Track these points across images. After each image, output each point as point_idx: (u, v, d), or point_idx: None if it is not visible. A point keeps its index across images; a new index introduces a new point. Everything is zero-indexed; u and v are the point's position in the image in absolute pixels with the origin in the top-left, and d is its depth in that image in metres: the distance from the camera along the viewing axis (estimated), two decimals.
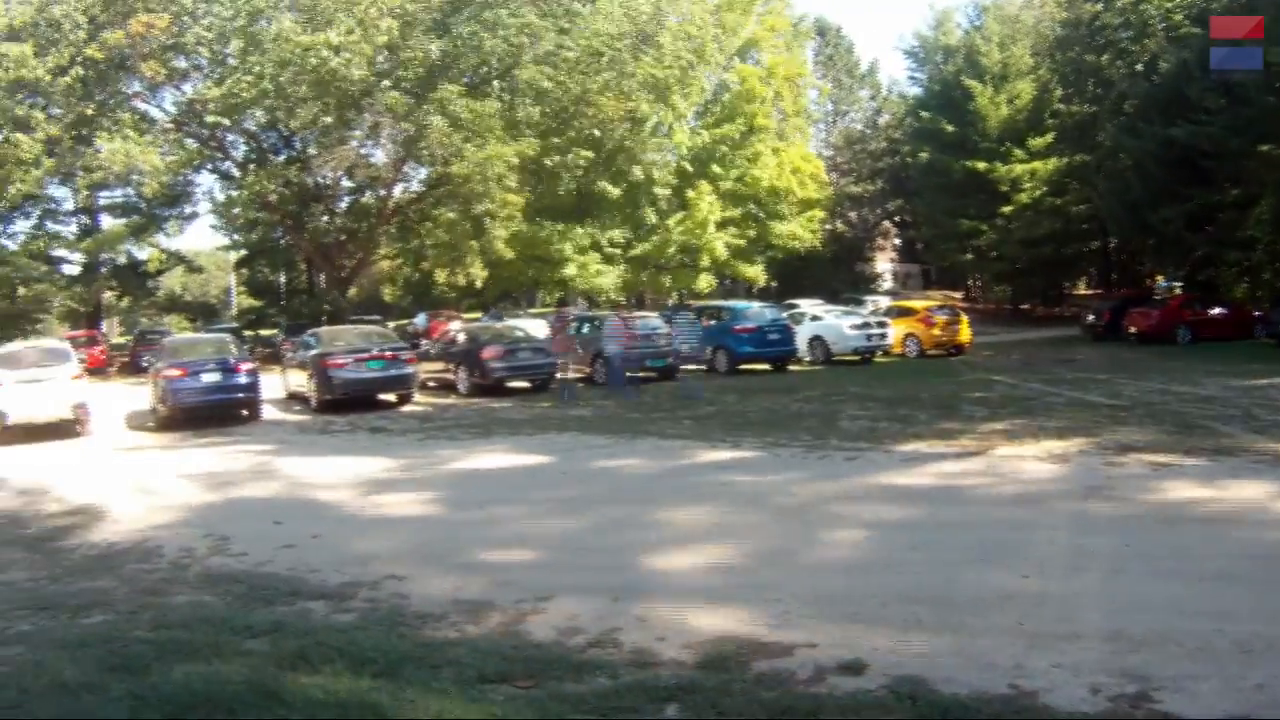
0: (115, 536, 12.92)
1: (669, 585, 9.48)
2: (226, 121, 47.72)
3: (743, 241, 58.71)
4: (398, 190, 54.13)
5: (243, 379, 27.39)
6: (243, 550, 11.57)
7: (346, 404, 28.17)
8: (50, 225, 64.63)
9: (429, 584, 9.69)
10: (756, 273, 62.61)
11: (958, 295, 76.62)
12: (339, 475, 17.19)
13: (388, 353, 29.04)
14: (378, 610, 8.95)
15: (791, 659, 7.12)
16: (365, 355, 28.50)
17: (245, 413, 27.90)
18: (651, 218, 56.09)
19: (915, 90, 78.27)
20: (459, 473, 17.36)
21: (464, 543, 11.60)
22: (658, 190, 55.51)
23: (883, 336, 37.78)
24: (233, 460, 20.05)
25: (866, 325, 38.01)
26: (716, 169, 57.84)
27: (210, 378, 26.90)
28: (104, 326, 75.32)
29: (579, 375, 33.01)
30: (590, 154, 48.82)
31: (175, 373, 26.72)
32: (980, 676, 6.67)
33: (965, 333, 41.18)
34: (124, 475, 18.74)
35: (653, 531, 11.81)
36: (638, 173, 53.81)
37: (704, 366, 34.73)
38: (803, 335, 37.09)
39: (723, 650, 7.36)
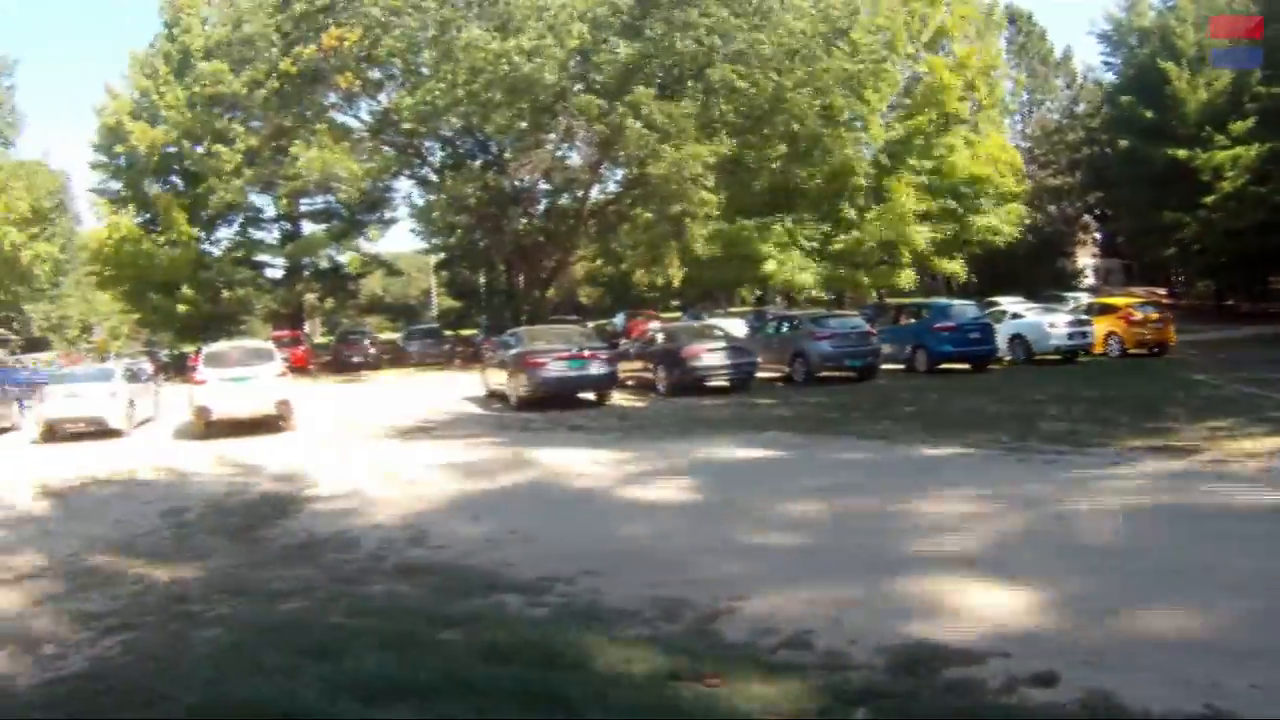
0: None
1: (855, 587, 9.35)
2: (422, 129, 48.80)
3: (940, 235, 57.63)
4: (595, 191, 54.66)
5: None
6: (441, 543, 11.79)
7: (545, 402, 28.45)
8: (253, 231, 66.96)
9: (625, 581, 9.69)
10: (956, 268, 61.47)
11: (1160, 291, 74.16)
12: (543, 468, 17.51)
13: (587, 352, 29.35)
14: (572, 605, 9.02)
15: (984, 667, 6.97)
16: (565, 354, 28.84)
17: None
18: (850, 212, 55.46)
19: (1110, 76, 76.27)
20: (688, 466, 17.42)
21: (662, 541, 11.62)
22: (855, 182, 54.87)
23: (1084, 335, 36.57)
24: (459, 453, 20.57)
25: (1068, 323, 36.89)
26: (914, 161, 56.96)
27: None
28: (306, 327, 77.09)
29: (778, 375, 32.86)
30: (785, 149, 48.45)
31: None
32: (1174, 694, 6.44)
33: (1169, 331, 39.71)
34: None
35: (831, 535, 11.77)
36: (835, 167, 53.28)
37: (903, 366, 34.28)
38: (1003, 334, 36.17)
39: (915, 655, 7.24)
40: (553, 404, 28.32)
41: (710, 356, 30.42)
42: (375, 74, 50.67)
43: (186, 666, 7.75)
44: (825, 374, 32.10)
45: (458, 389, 35.60)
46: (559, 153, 50.80)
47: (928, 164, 57.45)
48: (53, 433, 27.97)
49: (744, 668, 7.07)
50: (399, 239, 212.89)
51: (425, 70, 46.63)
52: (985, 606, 8.54)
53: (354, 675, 7.12)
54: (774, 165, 49.65)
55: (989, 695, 6.52)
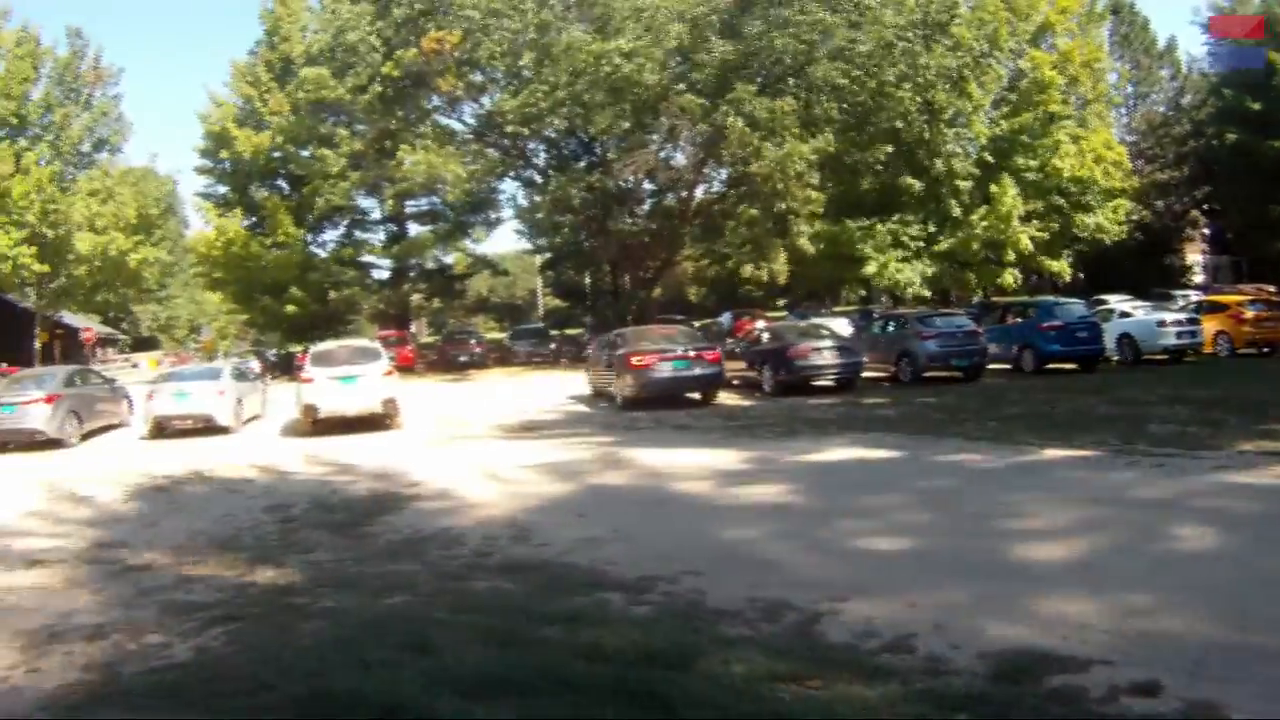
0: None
1: (959, 591, 9.21)
2: (525, 131, 48.91)
3: (1046, 234, 56.80)
4: (699, 191, 54.49)
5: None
6: (544, 541, 11.79)
7: (650, 401, 28.47)
8: (359, 233, 67.73)
9: (726, 582, 9.59)
10: (1062, 267, 60.55)
11: (1271, 288, 72.30)
12: (648, 468, 17.51)
13: (692, 352, 29.29)
14: (674, 605, 8.98)
15: (1086, 675, 6.80)
16: (670, 354, 28.88)
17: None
18: (955, 211, 54.82)
19: (1216, 67, 74.82)
20: (793, 466, 17.28)
21: (766, 542, 11.49)
22: (959, 183, 54.26)
23: (1193, 334, 35.58)
24: (563, 451, 20.65)
25: (1177, 322, 35.99)
26: (1019, 160, 56.16)
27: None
28: (412, 327, 77.77)
29: (883, 374, 32.62)
30: (889, 148, 48.09)
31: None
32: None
33: None
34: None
35: (935, 538, 11.55)
36: (939, 165, 52.81)
37: (1009, 365, 33.87)
38: (1110, 333, 35.44)
39: (1017, 662, 7.10)
40: (658, 403, 28.36)
41: (816, 356, 30.19)
42: (477, 77, 50.96)
43: (289, 658, 7.83)
44: (931, 374, 31.75)
45: (563, 389, 35.71)
46: (662, 152, 50.69)
47: (1033, 161, 56.54)
48: (161, 430, 28.57)
49: (844, 671, 7.01)
50: (505, 239, 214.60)
51: (527, 72, 46.79)
52: (1089, 613, 8.35)
53: (455, 671, 7.16)
54: (878, 164, 49.17)
55: (1090, 704, 6.37)
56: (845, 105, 45.11)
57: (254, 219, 62.28)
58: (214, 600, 9.91)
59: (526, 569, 10.49)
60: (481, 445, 22.77)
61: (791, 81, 44.72)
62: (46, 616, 9.78)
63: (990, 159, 55.07)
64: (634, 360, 28.57)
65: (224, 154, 62.14)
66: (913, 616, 8.31)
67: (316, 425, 26.54)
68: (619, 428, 24.84)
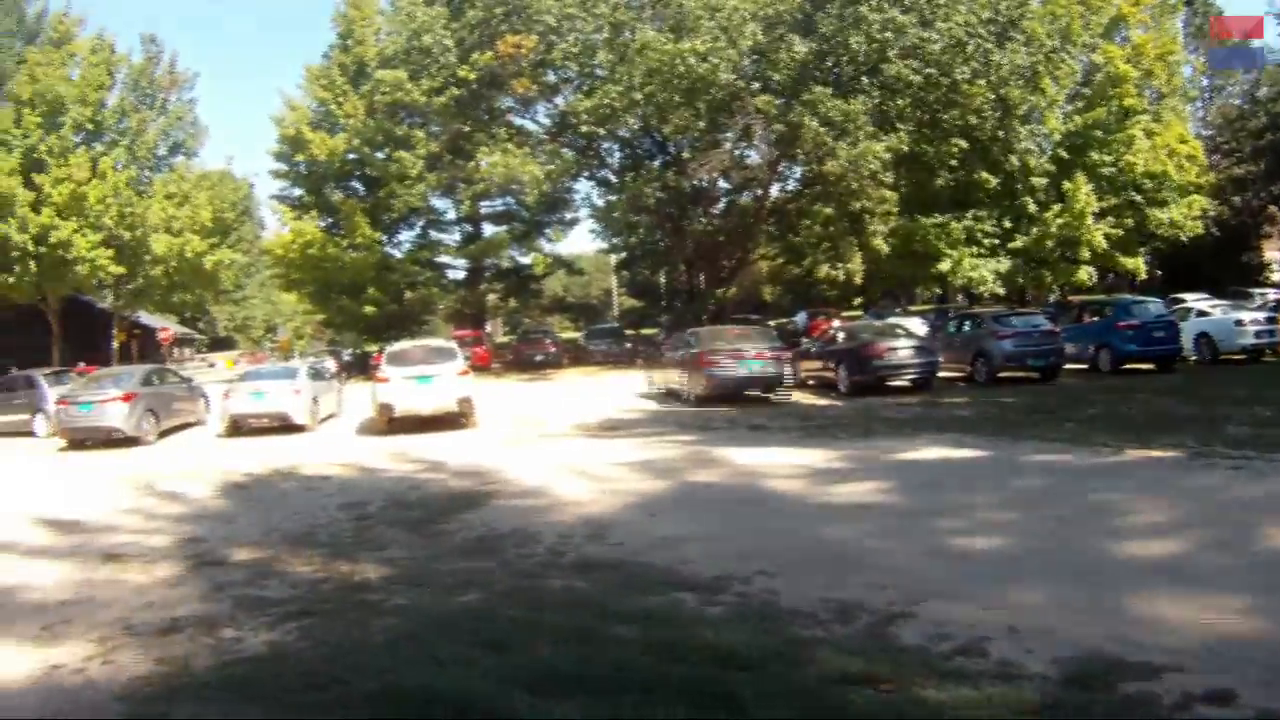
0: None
1: (1033, 594, 9.11)
2: (601, 130, 48.87)
3: (1121, 231, 56.01)
4: (774, 189, 54.27)
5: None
6: (619, 540, 11.74)
7: (724, 400, 28.51)
8: (434, 234, 68.01)
9: (801, 582, 9.52)
10: (1137, 265, 59.67)
11: None
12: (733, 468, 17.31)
13: (766, 352, 29.15)
14: (747, 605, 8.92)
15: (1160, 682, 6.69)
16: (742, 354, 28.78)
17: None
18: (1030, 208, 54.19)
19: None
20: (868, 466, 17.05)
21: (842, 542, 11.39)
22: (1034, 180, 53.66)
23: (1272, 334, 34.84)
24: (639, 451, 20.50)
25: (1255, 321, 35.30)
26: (1093, 156, 55.41)
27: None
28: (488, 326, 78.05)
29: (959, 374, 32.37)
30: (963, 144, 47.70)
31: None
32: None
33: None
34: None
35: (1010, 540, 11.41)
36: (1013, 161, 52.27)
37: (1086, 365, 33.50)
38: (1188, 332, 34.82)
39: (1091, 667, 7.00)
40: (733, 402, 28.41)
41: (891, 355, 29.96)
42: (551, 77, 50.94)
43: (361, 654, 7.93)
44: (1007, 374, 31.43)
45: (638, 388, 35.57)
46: (737, 151, 50.50)
47: (1107, 157, 55.78)
48: (237, 428, 28.92)
49: (916, 674, 6.94)
50: (580, 239, 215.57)
51: (601, 73, 46.79)
52: (1166, 618, 8.24)
53: (527, 668, 7.20)
54: (952, 160, 48.80)
55: (1163, 711, 6.29)
56: (918, 103, 44.78)
57: (330, 220, 62.73)
58: (288, 596, 10.03)
59: (601, 567, 10.49)
60: (556, 444, 22.72)
61: (865, 80, 44.42)
62: (123, 610, 9.94)
63: (1065, 155, 54.42)
64: (706, 359, 28.66)
65: (299, 157, 62.65)
66: (987, 619, 8.20)
67: (392, 424, 26.69)
68: (694, 427, 24.61)
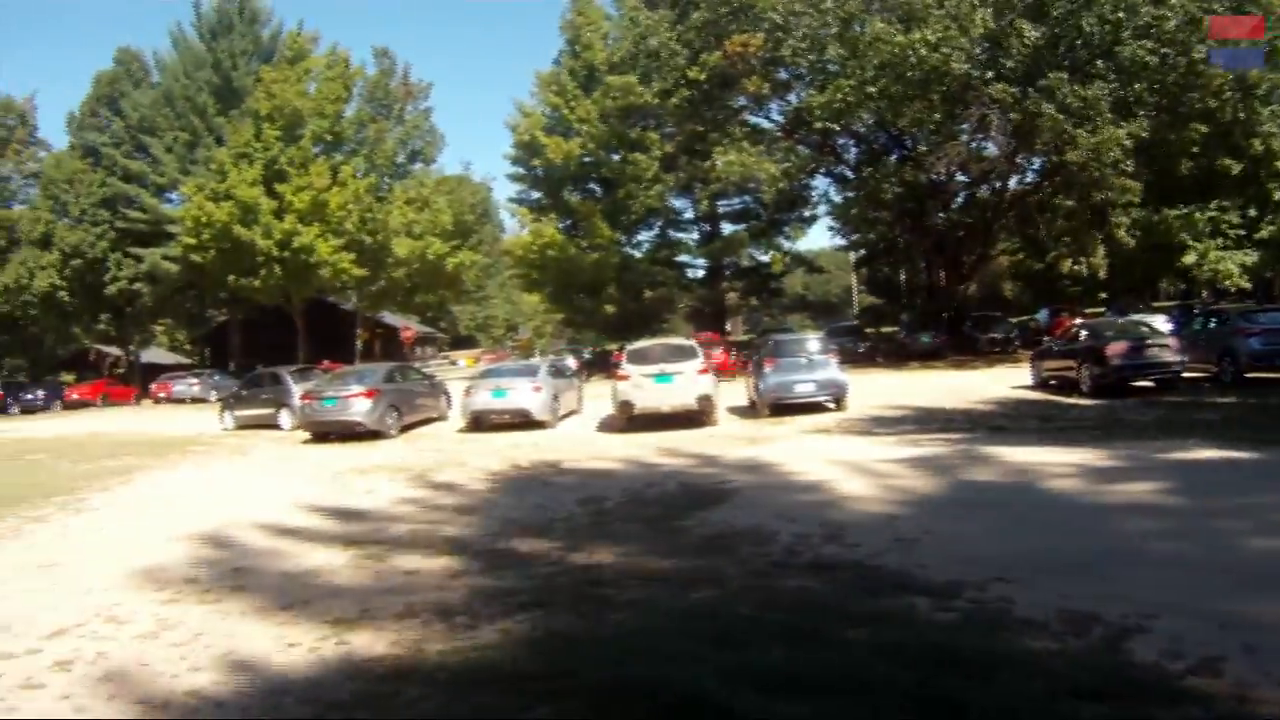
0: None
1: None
2: (835, 126, 48.55)
3: None
4: (1012, 182, 53.16)
5: (834, 374, 28.33)
6: (856, 540, 11.51)
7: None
8: (673, 233, 68.53)
9: (1036, 590, 9.21)
10: None
11: None
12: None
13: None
14: (980, 612, 8.66)
15: None
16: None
17: (833, 405, 28.57)
18: (1277, 195, 51.91)
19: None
20: (1106, 470, 16.06)
21: (1072, 549, 11.00)
22: (1278, 165, 51.41)
23: None
24: (912, 448, 19.94)
25: None
26: None
27: (804, 373, 28.19)
28: (728, 325, 78.27)
29: (1204, 374, 31.22)
30: (1203, 129, 46.01)
31: (770, 368, 28.27)
32: None
33: None
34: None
35: (1255, 555, 10.65)
36: (1256, 146, 50.18)
37: None
38: None
39: None
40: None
41: (1135, 354, 28.98)
42: (782, 74, 50.79)
43: (592, 646, 8.01)
44: (1256, 374, 30.13)
45: (877, 387, 34.77)
46: (974, 143, 49.54)
47: None
48: (478, 424, 29.62)
49: (1146, 693, 6.68)
50: (819, 236, 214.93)
51: (833, 67, 46.43)
52: None
53: (755, 667, 7.17)
54: (1193, 146, 47.14)
55: None
56: (1156, 86, 43.10)
57: (568, 222, 63.70)
58: (522, 586, 10.18)
59: (835, 568, 10.32)
60: (799, 442, 22.29)
61: (1100, 64, 43.03)
62: (360, 595, 10.32)
63: None
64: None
65: (535, 161, 63.81)
66: (1224, 636, 7.75)
67: (631, 421, 27.02)
68: (931, 425, 24.13)
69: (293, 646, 8.69)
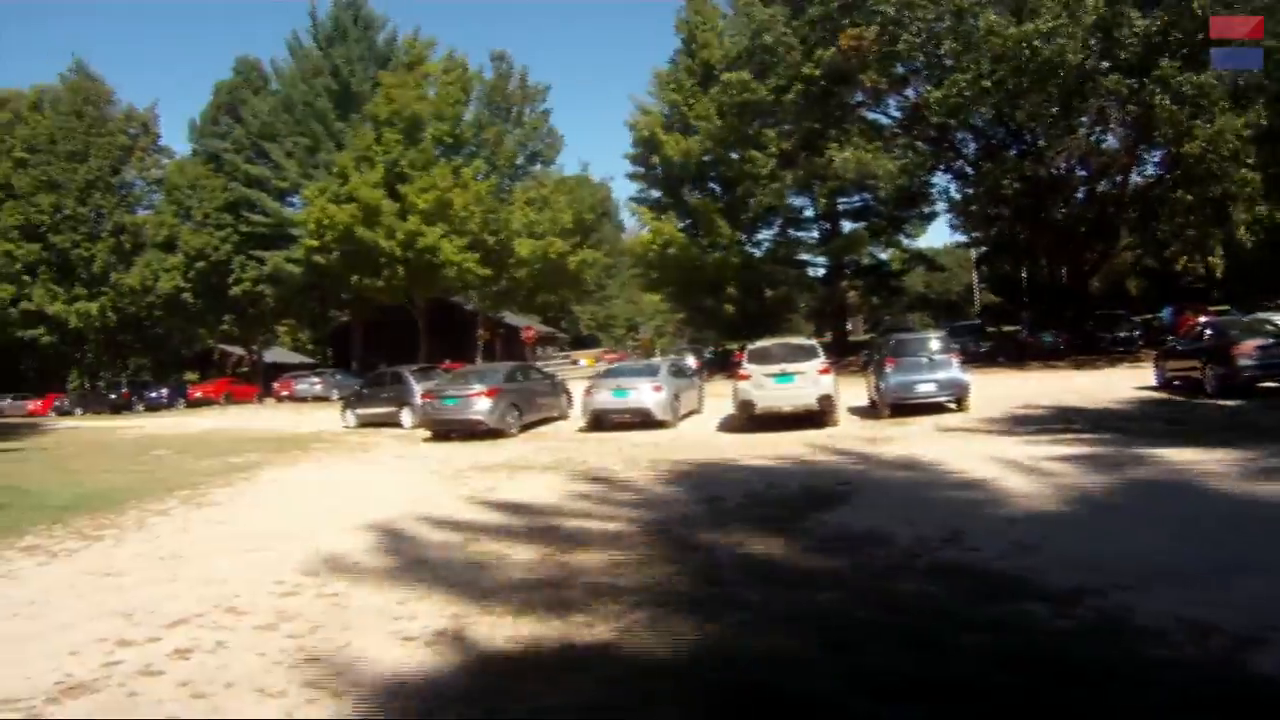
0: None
1: None
2: (952, 121, 47.93)
3: None
4: (1134, 176, 52.30)
5: (956, 374, 27.93)
6: (976, 544, 11.38)
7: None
8: (792, 232, 68.22)
9: (1156, 598, 9.02)
10: None
11: None
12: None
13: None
14: (1099, 620, 8.51)
15: None
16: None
17: (954, 405, 28.15)
18: None
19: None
20: (1221, 477, 15.35)
21: (1198, 556, 10.70)
22: None
23: None
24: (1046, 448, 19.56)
25: None
26: None
27: (925, 372, 27.90)
28: (848, 324, 77.96)
29: None
30: None
31: (891, 367, 27.98)
32: None
33: None
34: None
35: None
36: None
37: None
38: None
39: None
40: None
41: (1263, 354, 28.25)
42: (898, 69, 50.30)
43: (706, 647, 8.09)
44: None
45: (998, 388, 34.05)
46: (1093, 136, 48.81)
47: None
48: (599, 423, 29.85)
49: (1262, 706, 6.61)
50: (939, 233, 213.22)
51: (948, 61, 45.90)
52: None
53: (870, 671, 7.20)
54: None
55: None
56: (1273, 71, 41.87)
57: (688, 221, 63.79)
58: (639, 585, 10.25)
59: (954, 572, 10.21)
60: (924, 442, 21.96)
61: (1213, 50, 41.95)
62: (479, 589, 10.45)
63: None
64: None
65: (654, 160, 63.93)
66: None
67: (752, 421, 26.91)
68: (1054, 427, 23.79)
69: (408, 640, 8.84)
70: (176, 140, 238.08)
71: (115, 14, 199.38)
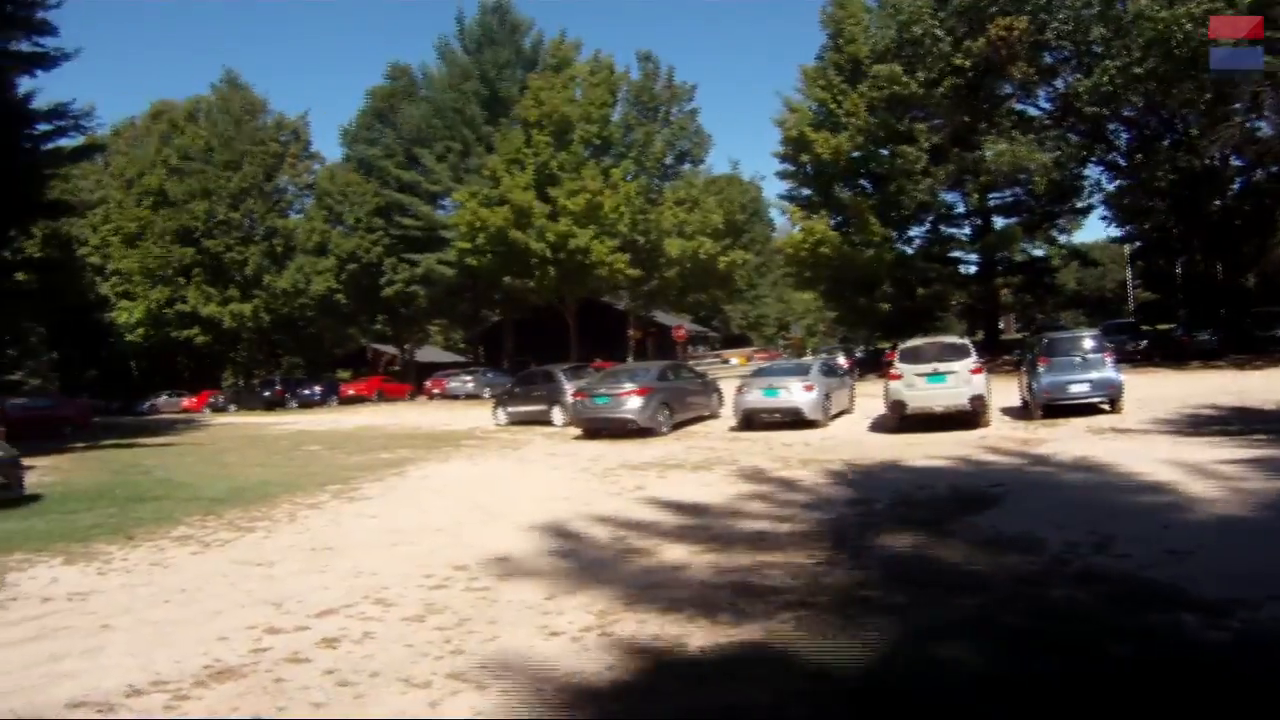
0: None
1: None
2: (1104, 111, 46.78)
3: None
4: None
5: (1110, 374, 27.17)
6: (1126, 551, 11.10)
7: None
8: (944, 228, 67.37)
9: None
10: None
11: None
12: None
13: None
14: (1253, 632, 8.25)
15: None
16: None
17: (1107, 406, 27.45)
18: None
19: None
20: None
21: None
22: None
23: None
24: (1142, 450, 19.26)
25: None
26: None
27: (1078, 372, 27.23)
28: (1000, 323, 77.01)
29: None
30: None
31: (1044, 367, 27.46)
32: None
33: None
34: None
35: None
36: None
37: None
38: None
39: None
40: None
41: None
42: (1047, 59, 49.34)
43: (851, 650, 8.09)
44: None
45: (1153, 389, 32.92)
46: (1248, 124, 47.12)
47: None
48: (750, 422, 29.83)
49: None
50: (1092, 228, 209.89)
51: (1098, 49, 44.82)
52: None
53: (1014, 678, 7.17)
54: None
55: None
56: None
57: (840, 219, 63.37)
58: (787, 586, 10.23)
59: (1103, 579, 9.98)
60: (1091, 443, 21.58)
61: None
62: (626, 589, 10.50)
63: None
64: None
65: (803, 157, 63.56)
66: None
67: (904, 421, 26.74)
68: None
69: (554, 636, 8.95)
70: (326, 147, 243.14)
71: (267, 23, 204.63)
